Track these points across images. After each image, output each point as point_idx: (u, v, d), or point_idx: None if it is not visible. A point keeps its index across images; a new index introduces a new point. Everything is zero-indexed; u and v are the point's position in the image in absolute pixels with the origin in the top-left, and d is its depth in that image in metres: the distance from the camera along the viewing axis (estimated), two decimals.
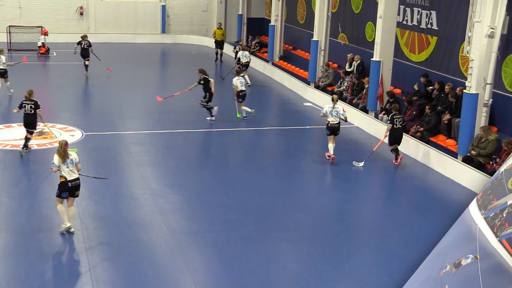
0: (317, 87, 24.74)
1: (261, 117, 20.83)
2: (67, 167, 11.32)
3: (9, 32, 31.97)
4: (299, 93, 24.82)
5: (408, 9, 20.63)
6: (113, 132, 18.48)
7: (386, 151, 16.65)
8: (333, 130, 16.34)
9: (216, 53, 31.66)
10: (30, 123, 15.92)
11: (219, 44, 31.73)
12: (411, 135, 17.80)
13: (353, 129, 20.13)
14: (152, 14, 37.16)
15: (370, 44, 22.60)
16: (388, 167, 16.67)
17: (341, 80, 23.51)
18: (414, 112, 18.71)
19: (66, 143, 11.47)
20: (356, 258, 11.34)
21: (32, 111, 15.82)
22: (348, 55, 23.92)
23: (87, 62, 26.00)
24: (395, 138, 16.29)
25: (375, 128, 19.27)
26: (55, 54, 31.46)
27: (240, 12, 35.68)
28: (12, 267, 10.47)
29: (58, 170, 11.31)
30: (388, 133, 16.25)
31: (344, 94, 22.85)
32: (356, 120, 20.47)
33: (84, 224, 12.08)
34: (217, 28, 32.46)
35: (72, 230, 11.51)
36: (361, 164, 16.16)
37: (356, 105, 21.52)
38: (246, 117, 20.28)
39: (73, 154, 11.49)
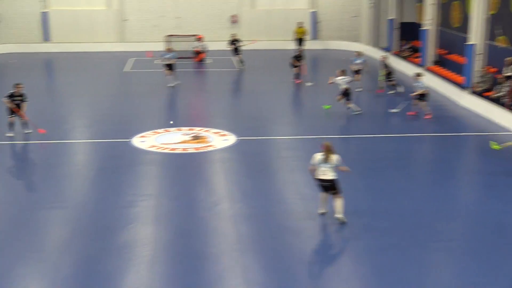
0: (473, 92, 23.75)
1: (412, 123, 20.33)
2: (322, 167, 12.28)
3: (168, 41, 33.57)
4: (454, 99, 23.96)
5: None
6: (265, 137, 18.79)
7: None
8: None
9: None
10: None
11: (300, 41, 34.88)
12: None
13: None
14: (303, 21, 37.38)
15: None
16: None
17: (500, 85, 22.39)
18: None
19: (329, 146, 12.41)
20: None
21: None
22: (507, 58, 22.72)
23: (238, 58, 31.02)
24: None
25: None
26: (209, 61, 32.58)
27: (391, 17, 35.08)
28: (170, 266, 10.92)
29: (316, 168, 12.39)
30: None
31: (503, 99, 21.73)
32: None
33: (237, 226, 12.36)
34: (298, 28, 35.51)
35: (340, 218, 12.34)
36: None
37: None
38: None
39: (334, 158, 12.31)
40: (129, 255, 11.12)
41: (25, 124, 18.54)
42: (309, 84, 26.49)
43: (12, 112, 18.38)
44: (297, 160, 16.74)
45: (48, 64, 34.85)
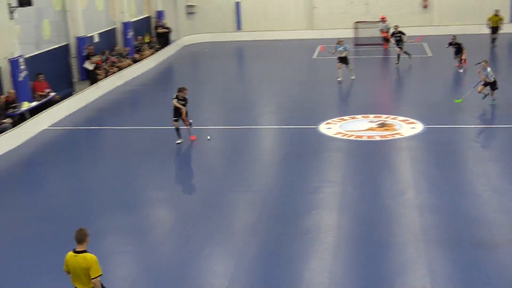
0: None
1: None
2: None
3: (356, 28, 33.40)
4: None
5: None
6: (454, 126, 18.08)
7: None
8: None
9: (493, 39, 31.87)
10: None
11: (495, 30, 31.91)
12: None
13: None
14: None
15: None
16: None
17: None
18: None
19: None
20: None
21: None
22: None
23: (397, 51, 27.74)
24: None
25: None
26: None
27: None
28: (353, 253, 10.91)
29: None
30: None
31: None
32: None
33: (422, 216, 12.04)
34: (494, 15, 32.01)
35: None
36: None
37: None
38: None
39: None
40: (313, 240, 11.27)
41: (178, 131, 17.64)
42: (461, 71, 25.22)
43: (176, 115, 17.62)
44: (488, 150, 15.94)
45: (240, 52, 36.17)
